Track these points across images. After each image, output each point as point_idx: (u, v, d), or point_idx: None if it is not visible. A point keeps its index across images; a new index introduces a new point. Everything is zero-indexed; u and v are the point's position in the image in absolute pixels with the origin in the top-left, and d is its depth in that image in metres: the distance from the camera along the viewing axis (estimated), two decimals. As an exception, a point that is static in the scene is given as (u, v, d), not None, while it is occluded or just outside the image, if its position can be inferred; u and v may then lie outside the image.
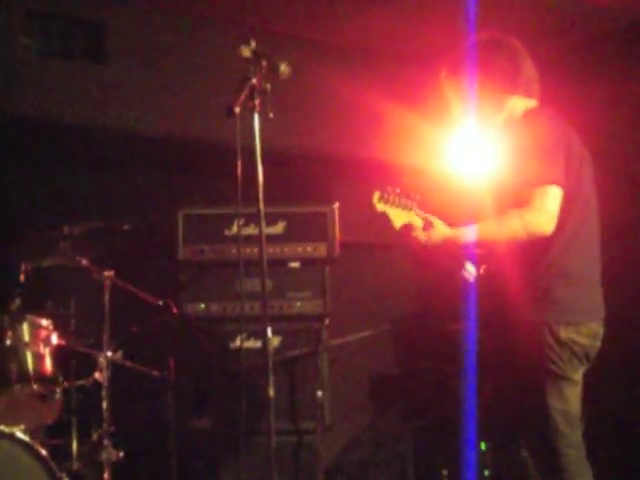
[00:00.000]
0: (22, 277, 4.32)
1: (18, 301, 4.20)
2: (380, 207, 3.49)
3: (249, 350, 4.90)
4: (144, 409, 5.30)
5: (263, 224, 3.21)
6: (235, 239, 5.03)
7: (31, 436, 4.02)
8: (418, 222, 3.49)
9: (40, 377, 4.16)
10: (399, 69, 6.24)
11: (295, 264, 5.17)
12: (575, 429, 3.44)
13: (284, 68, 3.13)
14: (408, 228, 3.50)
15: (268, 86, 3.15)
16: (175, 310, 4.91)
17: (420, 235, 3.46)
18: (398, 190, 3.51)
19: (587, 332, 3.43)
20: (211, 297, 5.09)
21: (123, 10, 5.40)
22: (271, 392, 3.13)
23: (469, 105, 3.64)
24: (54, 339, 4.31)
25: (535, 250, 3.36)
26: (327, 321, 5.11)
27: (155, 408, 5.21)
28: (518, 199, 3.35)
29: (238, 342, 5.00)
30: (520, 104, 3.59)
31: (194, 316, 5.03)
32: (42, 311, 4.39)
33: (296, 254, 5.17)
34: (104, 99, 5.33)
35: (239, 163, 3.12)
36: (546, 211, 3.28)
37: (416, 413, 5.81)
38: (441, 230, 3.46)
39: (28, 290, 4.31)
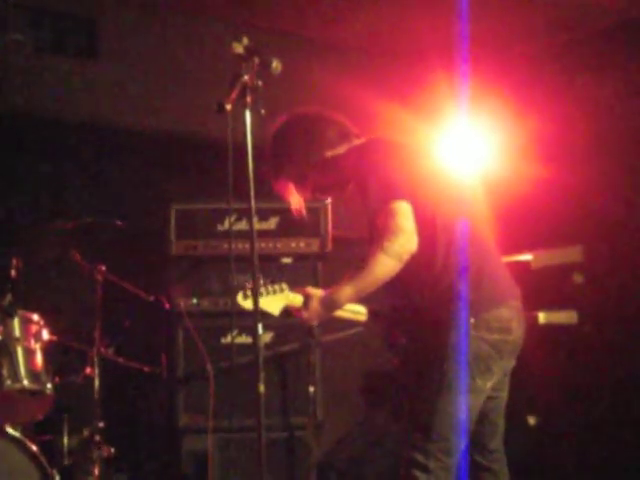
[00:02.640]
0: (13, 272, 4.31)
1: (9, 296, 4.19)
2: (248, 305, 3.37)
3: (241, 346, 4.89)
4: (135, 405, 5.30)
5: (254, 220, 3.20)
6: (227, 234, 5.02)
7: (22, 432, 4.03)
8: (298, 300, 3.44)
9: (31, 372, 4.15)
10: (391, 66, 6.24)
11: (287, 260, 5.16)
12: (458, 437, 3.34)
13: (276, 65, 3.12)
14: (290, 311, 3.45)
15: (260, 83, 3.14)
16: (167, 305, 4.91)
17: (305, 313, 3.40)
18: (261, 281, 3.39)
19: (497, 325, 3.37)
20: (203, 292, 5.08)
21: (115, 6, 5.39)
22: (262, 388, 3.11)
23: (301, 187, 3.63)
24: (45, 334, 4.30)
25: (424, 260, 3.32)
26: (319, 317, 5.10)
27: (146, 404, 5.22)
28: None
29: (230, 338, 5.00)
30: (339, 151, 3.56)
31: (186, 311, 5.02)
32: (33, 306, 4.37)
33: (288, 250, 5.17)
34: (95, 94, 5.33)
35: (230, 159, 3.12)
36: (402, 230, 3.22)
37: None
38: (318, 296, 3.37)
39: (19, 285, 4.30)
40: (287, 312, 3.47)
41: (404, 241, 3.22)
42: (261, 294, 3.38)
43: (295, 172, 3.58)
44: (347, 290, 3.31)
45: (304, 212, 3.68)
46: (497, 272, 3.51)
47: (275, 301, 3.45)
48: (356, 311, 3.58)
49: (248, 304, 3.37)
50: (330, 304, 3.35)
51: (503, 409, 3.59)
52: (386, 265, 3.24)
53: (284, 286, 3.48)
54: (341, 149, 3.56)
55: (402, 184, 3.31)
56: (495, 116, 5.96)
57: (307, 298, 3.39)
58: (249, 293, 3.36)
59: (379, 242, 3.23)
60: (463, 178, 3.61)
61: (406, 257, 3.24)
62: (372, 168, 3.36)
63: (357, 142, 3.57)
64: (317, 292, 3.39)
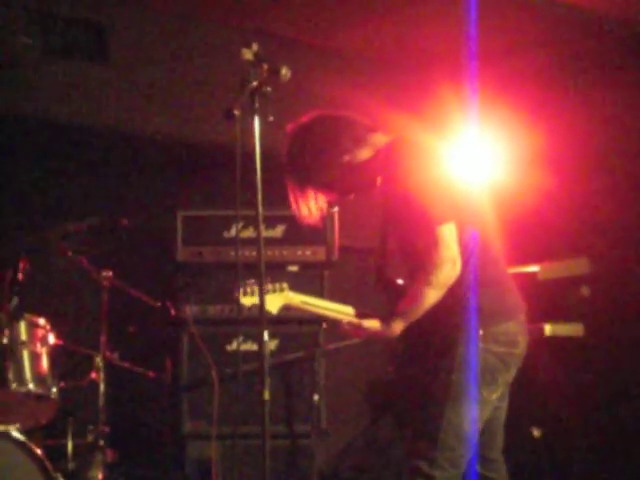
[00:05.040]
0: (20, 275, 4.31)
1: (16, 299, 4.19)
2: (248, 301, 3.45)
3: (246, 353, 4.90)
4: (140, 410, 5.29)
5: (262, 227, 3.21)
6: (234, 241, 5.03)
7: (27, 435, 4.02)
8: (297, 300, 3.51)
9: (36, 376, 4.15)
10: (398, 75, 6.25)
11: (294, 267, 5.17)
12: (464, 448, 3.34)
13: (285, 72, 3.12)
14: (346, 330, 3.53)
15: (269, 89, 3.14)
16: (173, 312, 4.91)
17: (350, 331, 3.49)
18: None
19: (505, 339, 3.38)
20: (209, 299, 5.09)
21: (124, 11, 5.41)
22: (266, 395, 3.11)
23: (326, 194, 3.58)
24: (51, 339, 4.30)
25: None
26: (324, 325, 5.11)
27: (151, 410, 5.22)
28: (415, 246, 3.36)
29: (235, 345, 5.00)
30: (363, 153, 3.52)
31: (191, 318, 5.02)
32: (40, 310, 4.38)
33: (295, 257, 5.18)
34: (104, 99, 5.34)
35: (238, 165, 3.12)
36: (445, 260, 3.26)
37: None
38: (370, 330, 3.45)
39: (26, 289, 4.31)
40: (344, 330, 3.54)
41: (447, 271, 3.27)
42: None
43: (318, 182, 3.54)
44: (398, 325, 3.38)
45: (316, 221, 3.65)
46: (507, 285, 3.52)
47: (274, 300, 3.50)
48: (342, 311, 3.60)
49: (248, 301, 3.44)
50: (383, 337, 3.45)
51: (503, 420, 3.59)
52: (433, 297, 3.31)
53: (284, 285, 3.54)
54: (360, 152, 3.51)
55: (443, 203, 3.30)
56: (503, 127, 5.96)
57: (359, 329, 3.46)
58: (249, 290, 3.43)
59: (424, 276, 3.28)
60: (472, 189, 3.61)
61: (451, 282, 3.30)
62: (409, 180, 3.32)
63: (376, 139, 3.52)
64: (373, 324, 3.44)
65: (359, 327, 3.46)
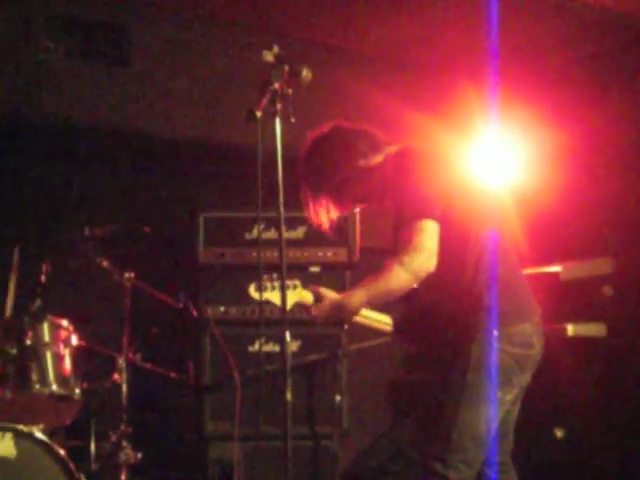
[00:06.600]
0: (43, 277, 4.34)
1: (39, 301, 4.23)
2: (257, 296, 3.47)
3: (268, 354, 4.91)
4: (162, 411, 5.31)
5: (283, 228, 3.22)
6: (255, 243, 5.04)
7: (50, 436, 4.05)
8: (309, 297, 3.48)
9: (59, 378, 4.17)
10: (420, 77, 6.24)
11: (315, 268, 5.17)
12: (478, 449, 3.35)
13: (306, 73, 3.14)
14: (301, 306, 3.48)
15: (290, 91, 3.15)
16: (195, 313, 4.93)
17: (313, 311, 3.43)
18: (275, 275, 3.46)
19: (520, 340, 3.38)
20: (231, 300, 5.09)
21: (146, 14, 5.43)
22: (289, 396, 3.12)
23: (339, 200, 3.61)
24: (74, 340, 4.33)
25: (454, 271, 3.37)
26: (346, 326, 5.11)
27: (173, 411, 5.23)
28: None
29: (257, 346, 5.01)
30: (376, 159, 3.56)
31: (213, 319, 5.04)
32: (63, 312, 4.40)
33: (316, 258, 5.18)
34: (126, 102, 5.36)
35: (259, 167, 3.13)
36: (424, 248, 3.25)
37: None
38: (329, 298, 3.38)
39: (49, 290, 4.34)
40: (301, 307, 3.50)
41: (424, 259, 3.25)
42: (273, 288, 3.45)
43: (332, 187, 3.57)
44: (358, 296, 3.32)
45: (329, 227, 3.67)
46: (523, 286, 3.53)
47: (287, 297, 3.49)
48: (381, 320, 3.59)
49: (258, 295, 3.46)
50: (340, 308, 3.36)
51: (513, 424, 3.58)
52: (401, 279, 3.26)
53: (297, 282, 3.52)
54: (374, 158, 3.55)
55: (434, 201, 3.32)
56: (524, 127, 5.95)
57: (318, 297, 3.40)
58: (264, 286, 3.45)
59: (399, 255, 3.26)
60: (492, 189, 3.61)
61: (422, 275, 3.27)
62: (408, 180, 3.37)
63: (390, 150, 3.57)
64: (330, 293, 3.40)
65: (319, 294, 3.39)
